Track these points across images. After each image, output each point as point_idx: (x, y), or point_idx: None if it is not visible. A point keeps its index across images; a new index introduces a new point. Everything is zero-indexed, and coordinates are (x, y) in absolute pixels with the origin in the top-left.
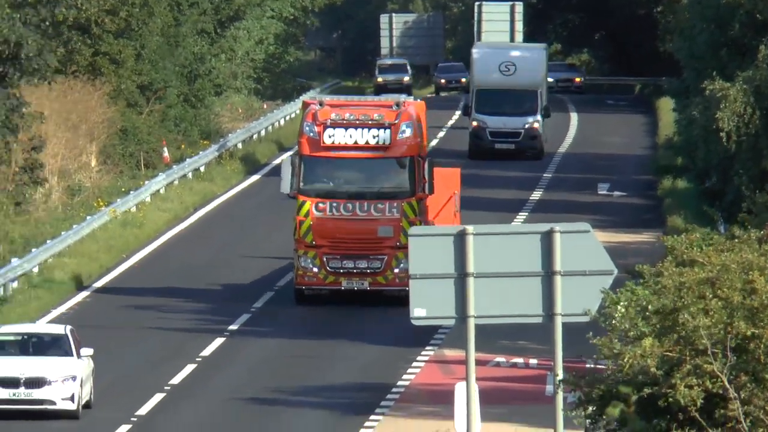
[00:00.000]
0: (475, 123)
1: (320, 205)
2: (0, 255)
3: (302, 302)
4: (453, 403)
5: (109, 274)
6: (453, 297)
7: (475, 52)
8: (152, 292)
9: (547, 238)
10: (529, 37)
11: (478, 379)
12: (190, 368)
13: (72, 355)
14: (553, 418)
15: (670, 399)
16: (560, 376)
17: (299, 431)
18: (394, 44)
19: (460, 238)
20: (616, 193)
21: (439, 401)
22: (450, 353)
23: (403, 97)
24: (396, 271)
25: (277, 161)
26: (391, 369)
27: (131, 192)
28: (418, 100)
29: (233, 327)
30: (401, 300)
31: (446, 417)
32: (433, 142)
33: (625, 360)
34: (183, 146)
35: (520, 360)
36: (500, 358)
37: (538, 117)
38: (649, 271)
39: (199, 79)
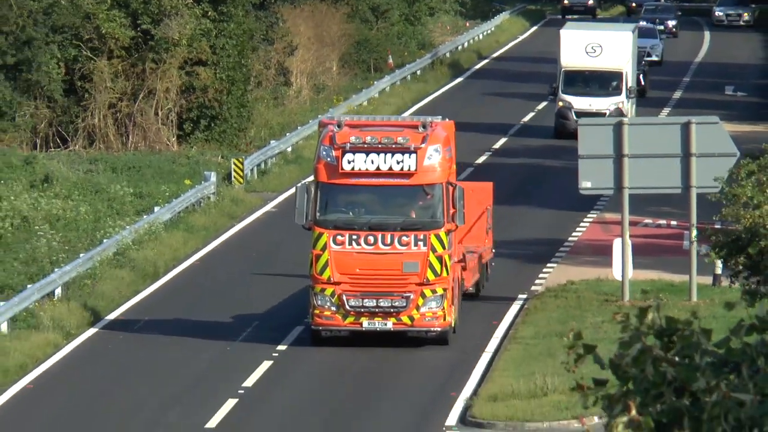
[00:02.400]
0: (560, 103)
1: (339, 237)
2: (262, 138)
3: (319, 344)
4: (611, 255)
5: None
6: (612, 173)
7: (563, 32)
8: None
9: (685, 128)
10: None
11: (630, 236)
12: None
13: None
14: (688, 266)
15: None
16: (695, 234)
17: (495, 272)
18: None
19: (618, 127)
20: (739, 93)
21: (600, 253)
22: (609, 216)
23: (430, 118)
24: (423, 310)
25: (477, 66)
26: (563, 228)
27: (363, 90)
28: (446, 120)
29: None
30: (430, 341)
31: (605, 266)
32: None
33: (747, 219)
34: (404, 54)
35: (663, 222)
36: (648, 220)
37: (624, 98)
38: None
39: (416, 3)
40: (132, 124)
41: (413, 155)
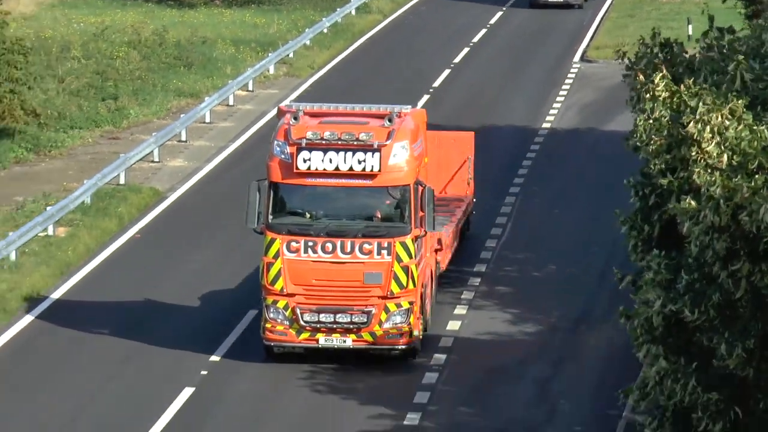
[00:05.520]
0: None
1: (293, 244)
2: None
3: (273, 359)
4: None
5: None
6: None
7: None
8: None
9: None
10: None
11: None
12: None
13: None
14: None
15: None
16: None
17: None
18: None
19: None
20: None
21: None
22: None
23: (398, 108)
24: (386, 326)
25: None
26: None
27: None
28: (418, 109)
29: None
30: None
31: None
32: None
33: None
34: None
35: None
36: None
37: None
38: None
39: None
40: None
41: (377, 154)
